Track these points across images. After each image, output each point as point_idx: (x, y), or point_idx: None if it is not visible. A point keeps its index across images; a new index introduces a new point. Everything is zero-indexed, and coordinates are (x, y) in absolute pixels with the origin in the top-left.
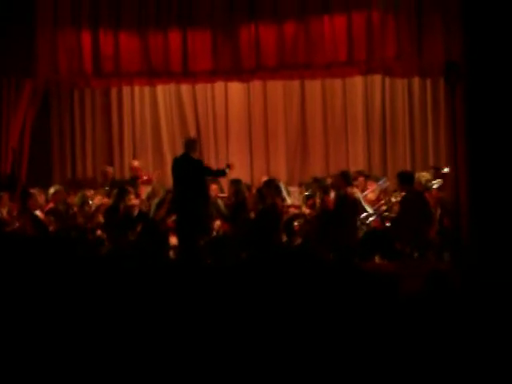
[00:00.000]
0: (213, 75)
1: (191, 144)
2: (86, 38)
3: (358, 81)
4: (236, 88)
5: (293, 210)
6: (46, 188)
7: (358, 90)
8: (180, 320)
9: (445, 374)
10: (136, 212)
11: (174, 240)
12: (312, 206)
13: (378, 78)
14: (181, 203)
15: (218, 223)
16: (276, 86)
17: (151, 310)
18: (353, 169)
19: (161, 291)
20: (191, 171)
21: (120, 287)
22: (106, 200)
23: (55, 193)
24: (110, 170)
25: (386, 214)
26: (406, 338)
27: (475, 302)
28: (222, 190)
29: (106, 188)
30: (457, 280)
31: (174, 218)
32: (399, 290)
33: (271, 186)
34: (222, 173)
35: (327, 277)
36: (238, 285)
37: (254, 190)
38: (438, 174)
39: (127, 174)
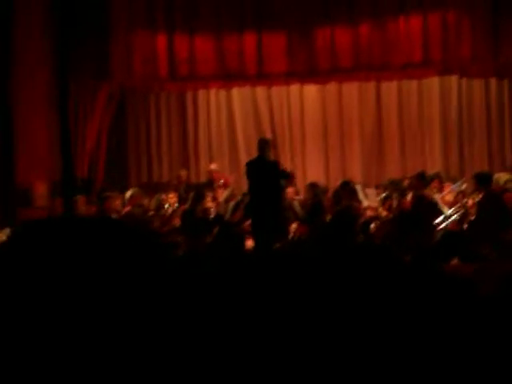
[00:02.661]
0: (288, 77)
1: (265, 144)
2: (161, 42)
3: (433, 82)
4: (311, 90)
5: (369, 212)
6: (122, 191)
7: (434, 91)
8: (259, 322)
9: None
10: (213, 215)
11: (250, 243)
12: (389, 208)
13: (454, 79)
14: (257, 206)
15: (294, 226)
16: (351, 88)
17: (229, 313)
18: (429, 170)
19: (236, 293)
20: (267, 173)
21: (196, 290)
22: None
23: (132, 196)
24: (184, 173)
25: (464, 215)
26: (483, 341)
27: None
28: (297, 193)
29: (180, 192)
30: None
31: (249, 221)
32: (477, 293)
33: (347, 188)
34: (287, 175)
35: (405, 277)
36: (316, 281)
37: (330, 193)
38: None
39: (203, 178)
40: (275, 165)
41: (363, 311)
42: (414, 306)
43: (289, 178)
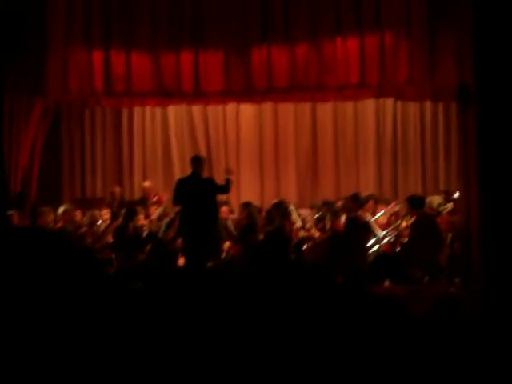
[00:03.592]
0: (224, 96)
1: (199, 161)
2: (98, 58)
3: (369, 104)
4: (247, 110)
5: (302, 233)
6: (55, 207)
7: (369, 113)
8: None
9: None
10: (145, 232)
11: (182, 261)
12: (322, 229)
13: (389, 102)
14: (190, 224)
15: (227, 245)
16: (287, 109)
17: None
18: (363, 192)
19: (167, 310)
20: (202, 190)
21: (127, 307)
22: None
23: (64, 212)
24: (117, 189)
25: (396, 238)
26: (415, 361)
27: (487, 327)
28: (231, 212)
29: (113, 209)
30: (467, 305)
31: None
32: (408, 315)
33: (280, 208)
34: (227, 186)
35: (337, 297)
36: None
37: (263, 213)
38: (449, 198)
39: (137, 194)
40: (210, 181)
41: (294, 329)
42: (345, 326)
43: (228, 188)
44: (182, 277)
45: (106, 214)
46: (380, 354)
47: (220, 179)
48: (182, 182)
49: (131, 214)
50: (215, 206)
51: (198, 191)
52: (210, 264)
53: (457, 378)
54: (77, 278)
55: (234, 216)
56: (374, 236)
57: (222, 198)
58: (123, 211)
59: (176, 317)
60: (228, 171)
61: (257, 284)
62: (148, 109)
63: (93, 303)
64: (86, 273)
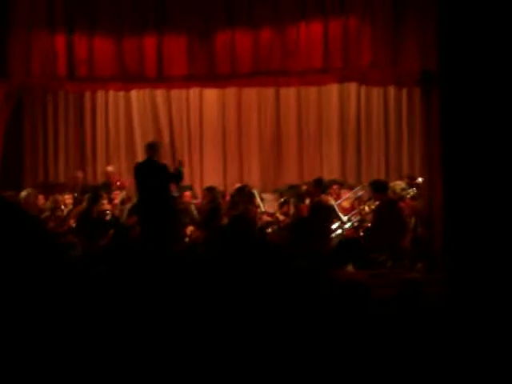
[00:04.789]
0: (188, 81)
1: (154, 147)
2: (60, 41)
3: (333, 89)
4: (211, 94)
5: (266, 217)
6: (18, 191)
7: (333, 97)
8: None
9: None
10: (108, 217)
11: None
12: (286, 213)
13: (353, 86)
14: (144, 209)
15: (190, 229)
16: (251, 93)
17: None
18: (327, 176)
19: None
20: (156, 176)
21: (91, 291)
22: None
23: (27, 196)
24: (80, 174)
25: (360, 222)
26: (377, 345)
27: (449, 310)
28: (195, 197)
29: (75, 194)
30: (431, 288)
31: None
32: (371, 299)
33: (244, 192)
34: (180, 175)
35: (299, 279)
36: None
37: (227, 197)
38: (412, 183)
39: (100, 179)
40: (164, 168)
41: (256, 310)
42: (307, 308)
43: (179, 177)
44: (144, 260)
45: (68, 198)
46: (342, 337)
47: (184, 164)
48: (137, 169)
49: (95, 198)
50: (169, 191)
51: (152, 177)
52: (171, 249)
53: (418, 362)
54: (40, 261)
55: (198, 201)
56: (338, 220)
57: (185, 182)
58: (87, 195)
59: (140, 299)
60: (180, 162)
61: (221, 267)
62: (111, 93)
63: (56, 285)
64: (49, 256)
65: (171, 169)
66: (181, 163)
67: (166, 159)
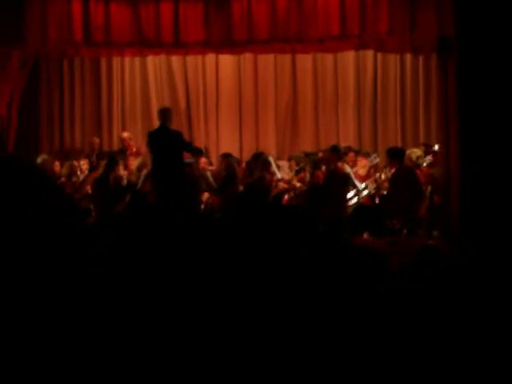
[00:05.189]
0: (204, 47)
1: (167, 114)
2: (77, 7)
3: (349, 56)
4: (227, 60)
5: (282, 185)
6: (34, 158)
7: (349, 65)
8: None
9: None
10: (125, 183)
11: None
12: (302, 180)
13: (370, 54)
14: (159, 176)
15: (206, 196)
16: (267, 60)
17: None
18: (343, 144)
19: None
20: (170, 143)
21: (108, 258)
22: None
23: (43, 162)
24: (96, 140)
25: (376, 190)
26: (398, 313)
27: (466, 279)
28: (210, 163)
29: (92, 160)
30: (448, 255)
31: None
32: (388, 266)
33: (260, 159)
34: (198, 151)
35: (318, 243)
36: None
37: (243, 164)
38: (428, 150)
39: (116, 145)
40: (180, 135)
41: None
42: (326, 274)
43: (198, 154)
44: (161, 226)
45: (84, 164)
46: (360, 306)
47: (198, 129)
48: (150, 135)
49: (113, 164)
50: (182, 160)
51: (166, 144)
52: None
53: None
54: (59, 226)
55: (213, 167)
56: (354, 188)
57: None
58: (104, 161)
59: (157, 266)
60: (205, 147)
61: (238, 232)
62: (127, 59)
63: (74, 252)
64: (67, 221)
65: (187, 139)
66: (205, 149)
67: (182, 125)
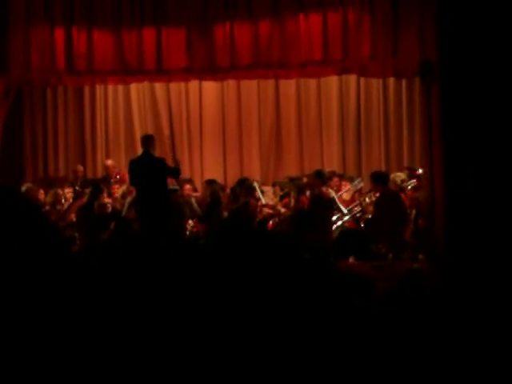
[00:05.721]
0: (187, 73)
1: (150, 141)
2: (59, 35)
3: (332, 80)
4: (210, 87)
5: (267, 210)
6: (18, 186)
7: (332, 89)
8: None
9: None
10: (109, 210)
11: None
12: (287, 206)
13: (353, 78)
14: (142, 204)
15: (191, 223)
16: (250, 86)
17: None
18: (327, 168)
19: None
20: (154, 170)
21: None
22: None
23: (27, 191)
24: (80, 168)
25: (360, 214)
26: (382, 336)
27: (452, 301)
28: (195, 190)
29: (77, 188)
30: (432, 280)
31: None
32: (374, 291)
33: (244, 185)
34: (176, 170)
35: (302, 269)
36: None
37: (227, 190)
38: (412, 174)
39: (99, 173)
40: (163, 161)
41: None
42: (310, 300)
43: (177, 173)
44: (146, 253)
45: (68, 192)
46: (345, 329)
47: (182, 156)
48: (133, 163)
49: (97, 192)
50: (166, 187)
51: (149, 171)
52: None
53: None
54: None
55: (198, 194)
56: (339, 212)
57: (185, 175)
58: (88, 189)
59: (142, 293)
60: (177, 162)
61: (223, 259)
62: (110, 87)
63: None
64: (52, 248)
65: (168, 164)
66: (177, 162)
67: (166, 152)
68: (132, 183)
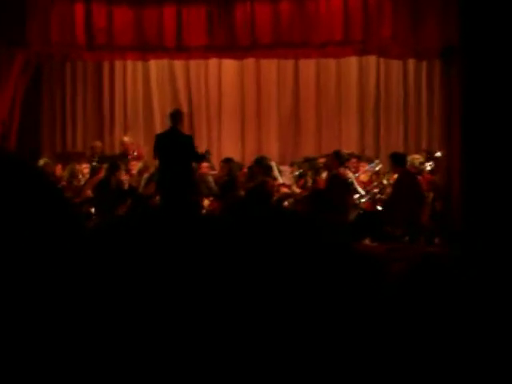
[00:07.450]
0: (207, 51)
1: (179, 116)
2: (79, 10)
3: (352, 61)
4: (230, 65)
5: (284, 189)
6: (34, 161)
7: (352, 70)
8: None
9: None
10: (126, 187)
11: None
12: (303, 186)
13: (372, 59)
14: (166, 179)
15: (207, 201)
16: (270, 65)
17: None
18: (345, 150)
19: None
20: (181, 146)
21: (109, 262)
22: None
23: (44, 165)
24: (98, 144)
25: (378, 195)
26: (394, 319)
27: (468, 286)
28: (212, 168)
29: (94, 163)
30: (449, 263)
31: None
32: (388, 273)
33: (262, 164)
34: (202, 157)
35: (319, 248)
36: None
37: (245, 169)
38: (430, 157)
39: (117, 149)
40: (189, 140)
41: (277, 279)
42: (326, 280)
43: (201, 160)
44: (163, 229)
45: (85, 168)
46: (360, 311)
47: (200, 134)
48: (159, 137)
49: (114, 168)
50: (190, 164)
51: (175, 147)
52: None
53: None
54: (59, 228)
55: (215, 172)
56: (356, 194)
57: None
58: (106, 165)
59: (159, 269)
60: (208, 151)
61: (238, 237)
62: (129, 63)
63: (73, 255)
64: (67, 225)
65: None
66: (208, 152)
67: (185, 130)
68: (157, 157)
